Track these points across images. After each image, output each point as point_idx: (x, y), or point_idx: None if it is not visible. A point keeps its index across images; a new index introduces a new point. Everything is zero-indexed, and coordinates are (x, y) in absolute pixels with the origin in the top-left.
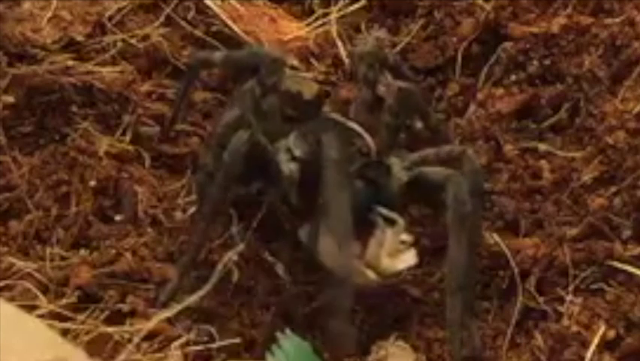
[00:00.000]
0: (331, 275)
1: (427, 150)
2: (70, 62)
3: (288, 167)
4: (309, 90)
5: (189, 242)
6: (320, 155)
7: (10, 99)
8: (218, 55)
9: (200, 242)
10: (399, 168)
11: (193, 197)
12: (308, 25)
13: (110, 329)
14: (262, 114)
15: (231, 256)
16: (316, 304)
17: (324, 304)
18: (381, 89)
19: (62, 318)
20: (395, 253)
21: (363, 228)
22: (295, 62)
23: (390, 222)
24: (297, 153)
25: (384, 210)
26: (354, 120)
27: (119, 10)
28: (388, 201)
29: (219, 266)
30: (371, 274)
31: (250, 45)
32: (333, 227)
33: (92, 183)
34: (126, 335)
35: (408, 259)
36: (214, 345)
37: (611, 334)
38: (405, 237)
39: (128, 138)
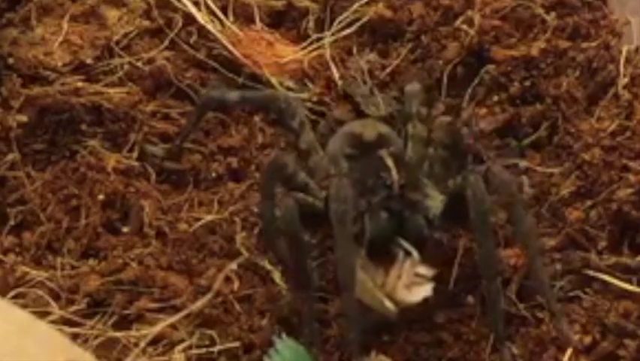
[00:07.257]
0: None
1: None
2: (80, 84)
3: None
4: (371, 132)
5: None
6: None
7: (24, 118)
8: (233, 95)
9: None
10: (437, 200)
11: (195, 210)
12: (303, 48)
13: (117, 334)
14: (304, 153)
15: (232, 266)
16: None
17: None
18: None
19: (72, 323)
20: (411, 285)
21: (386, 258)
22: (291, 84)
23: (410, 254)
24: None
25: (403, 243)
26: (393, 155)
27: (126, 34)
28: (416, 234)
29: (221, 275)
30: (389, 304)
31: (265, 89)
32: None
33: (101, 197)
34: (133, 340)
35: (422, 292)
36: (215, 349)
37: (587, 339)
38: (423, 270)
39: (134, 154)
